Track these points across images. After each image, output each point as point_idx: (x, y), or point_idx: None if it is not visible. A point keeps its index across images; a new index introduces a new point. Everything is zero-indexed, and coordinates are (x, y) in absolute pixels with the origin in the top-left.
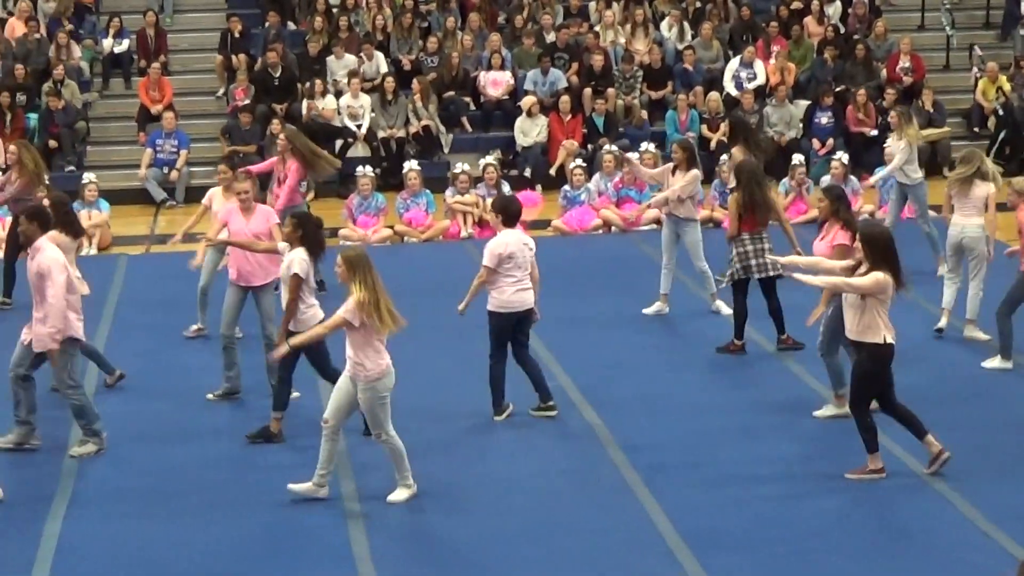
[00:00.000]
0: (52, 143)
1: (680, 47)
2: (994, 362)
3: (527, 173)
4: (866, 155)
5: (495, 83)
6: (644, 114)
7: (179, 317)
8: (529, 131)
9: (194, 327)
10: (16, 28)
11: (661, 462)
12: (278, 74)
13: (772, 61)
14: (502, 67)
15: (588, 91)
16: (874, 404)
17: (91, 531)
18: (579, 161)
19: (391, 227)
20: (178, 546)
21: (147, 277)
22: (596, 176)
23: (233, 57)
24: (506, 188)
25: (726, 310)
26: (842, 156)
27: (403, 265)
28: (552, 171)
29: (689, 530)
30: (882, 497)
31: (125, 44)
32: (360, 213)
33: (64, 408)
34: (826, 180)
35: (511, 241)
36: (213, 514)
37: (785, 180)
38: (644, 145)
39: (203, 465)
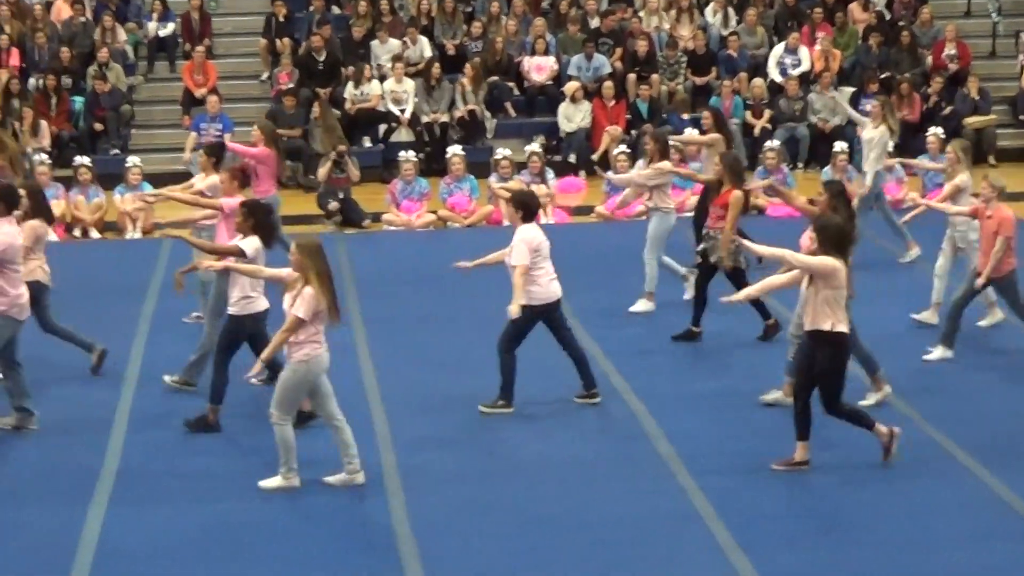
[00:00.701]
0: (97, 126)
1: (724, 33)
2: (937, 353)
3: (571, 159)
4: (911, 142)
5: (539, 68)
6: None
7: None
8: (573, 117)
9: (195, 314)
10: (62, 11)
11: (704, 450)
12: (322, 58)
13: (817, 47)
14: (546, 52)
15: (632, 77)
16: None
17: (135, 513)
18: (623, 147)
19: (434, 212)
20: (219, 530)
21: (190, 260)
22: (640, 162)
23: (277, 41)
24: (550, 176)
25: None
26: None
27: (446, 250)
28: (595, 157)
29: (732, 518)
30: (927, 486)
31: (170, 28)
32: (403, 198)
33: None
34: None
35: (536, 235)
36: (261, 498)
37: (827, 168)
38: (688, 131)
39: (245, 448)
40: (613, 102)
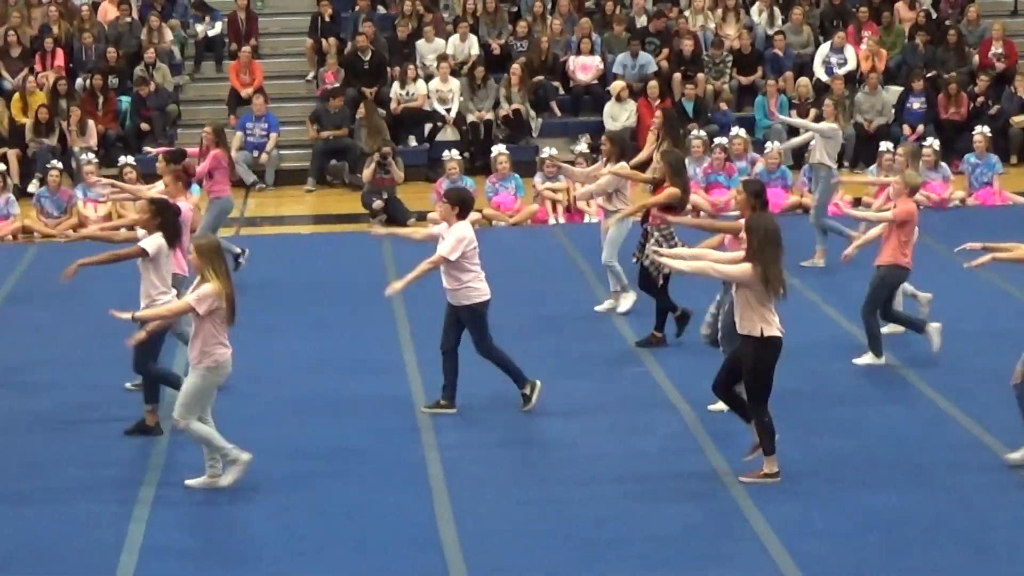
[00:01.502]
0: (143, 126)
1: (770, 32)
2: (865, 359)
3: None
4: (957, 142)
5: (584, 68)
6: (732, 100)
7: (269, 299)
8: (618, 116)
9: None
10: (109, 11)
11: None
12: (368, 58)
13: (863, 47)
14: (592, 52)
15: (678, 76)
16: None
17: (180, 512)
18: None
19: (479, 211)
20: (263, 530)
21: None
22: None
23: (323, 40)
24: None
25: (622, 308)
26: (932, 142)
27: (491, 249)
28: (642, 156)
29: (779, 520)
30: (971, 492)
31: (218, 27)
32: None
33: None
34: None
35: (470, 233)
36: (297, 496)
37: (872, 167)
38: (734, 130)
39: (293, 448)
40: (658, 101)
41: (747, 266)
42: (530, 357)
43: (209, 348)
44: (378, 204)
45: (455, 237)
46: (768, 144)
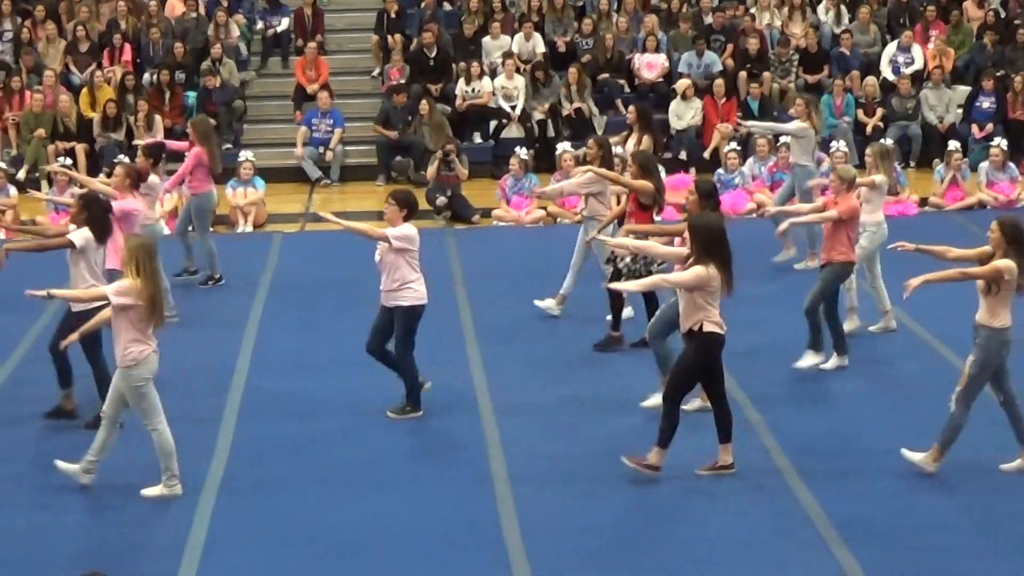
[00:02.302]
0: (210, 121)
1: (837, 31)
2: (808, 360)
3: (681, 156)
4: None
5: (650, 66)
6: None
7: (333, 295)
8: (683, 114)
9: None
10: (176, 7)
11: (812, 450)
12: (433, 54)
13: (930, 46)
14: (657, 49)
15: (743, 74)
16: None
17: (244, 506)
18: (733, 144)
19: (544, 208)
20: (325, 527)
21: (301, 255)
22: (750, 160)
23: (389, 37)
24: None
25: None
26: (1000, 142)
27: (555, 246)
28: (706, 154)
29: (841, 520)
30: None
31: (285, 23)
32: (513, 194)
33: (204, 380)
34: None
35: (416, 234)
36: (358, 490)
37: (940, 166)
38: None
39: (362, 443)
40: (724, 100)
41: (698, 269)
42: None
43: (127, 346)
44: (442, 201)
45: (403, 230)
46: (834, 143)
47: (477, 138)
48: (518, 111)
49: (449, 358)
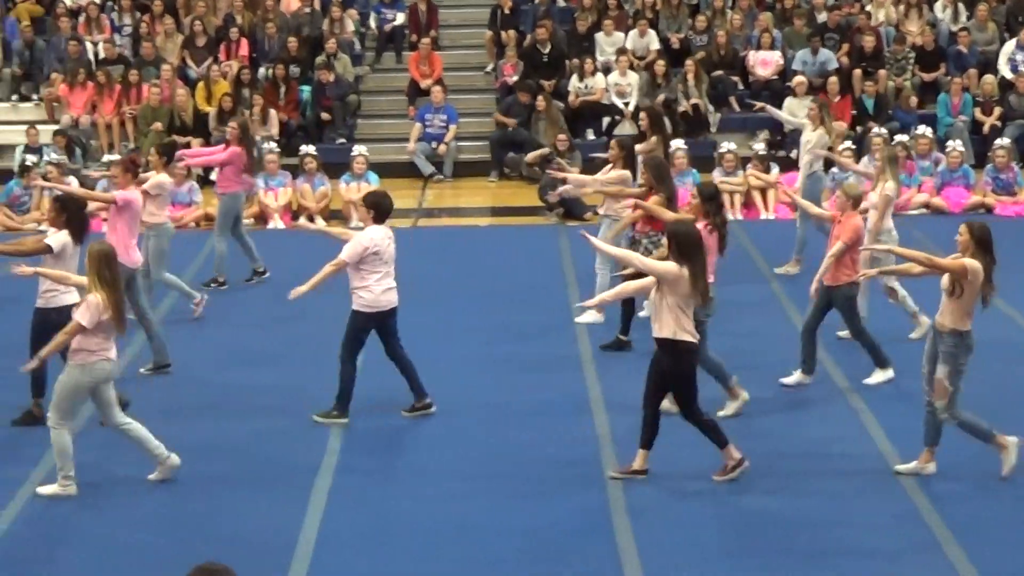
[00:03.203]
0: (324, 115)
1: (954, 28)
2: (876, 377)
3: (794, 154)
4: None
5: (764, 63)
6: (914, 97)
7: (444, 290)
8: (797, 112)
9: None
10: (291, 2)
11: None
12: (547, 50)
13: None
14: (772, 47)
15: (858, 72)
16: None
17: (356, 502)
18: (848, 143)
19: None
20: (432, 521)
21: (414, 250)
22: (865, 159)
23: (502, 33)
24: (775, 170)
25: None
26: None
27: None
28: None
29: (956, 521)
30: None
31: (401, 18)
32: None
33: (307, 377)
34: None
35: (377, 237)
36: (483, 492)
37: None
38: (920, 128)
39: (468, 441)
40: (838, 98)
41: (672, 264)
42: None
43: (84, 346)
44: (554, 197)
45: (356, 242)
46: (950, 142)
47: (590, 135)
48: (631, 108)
49: (562, 356)
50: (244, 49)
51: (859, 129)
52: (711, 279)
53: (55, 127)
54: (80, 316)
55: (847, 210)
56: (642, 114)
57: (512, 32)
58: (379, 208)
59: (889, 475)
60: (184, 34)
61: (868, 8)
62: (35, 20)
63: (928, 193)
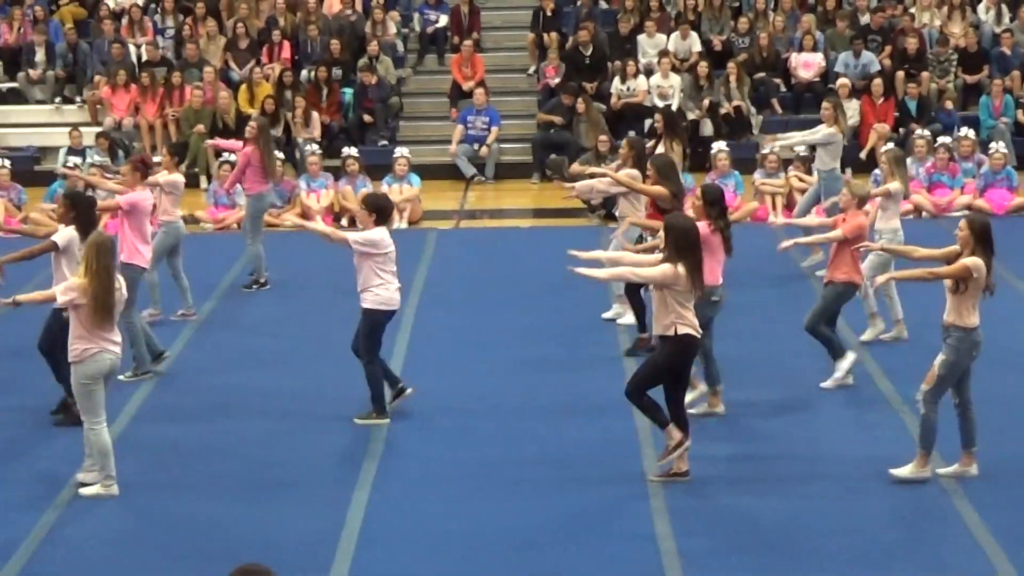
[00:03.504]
0: (366, 117)
1: (997, 30)
2: (841, 367)
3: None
4: None
5: (806, 65)
6: (954, 99)
7: (486, 291)
8: None
9: (180, 311)
10: (333, 4)
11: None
12: (589, 53)
13: None
14: (814, 49)
15: (901, 74)
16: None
17: (398, 502)
18: (890, 145)
19: None
20: (481, 523)
21: (456, 251)
22: (907, 161)
23: (545, 35)
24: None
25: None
26: None
27: None
28: (862, 155)
29: (998, 527)
30: None
31: (443, 20)
32: None
33: (355, 375)
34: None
35: (386, 238)
36: (516, 491)
37: None
38: (963, 130)
39: (518, 438)
40: (881, 100)
41: (667, 267)
42: (742, 348)
43: (73, 342)
44: (597, 200)
45: (368, 235)
46: (992, 144)
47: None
48: (673, 110)
49: (603, 356)
50: (286, 51)
51: (902, 131)
52: (719, 281)
53: (98, 129)
54: (59, 289)
55: (851, 208)
56: (656, 116)
57: (554, 34)
58: (381, 211)
59: (885, 478)
60: (227, 36)
61: (912, 10)
62: (78, 23)
63: (971, 195)
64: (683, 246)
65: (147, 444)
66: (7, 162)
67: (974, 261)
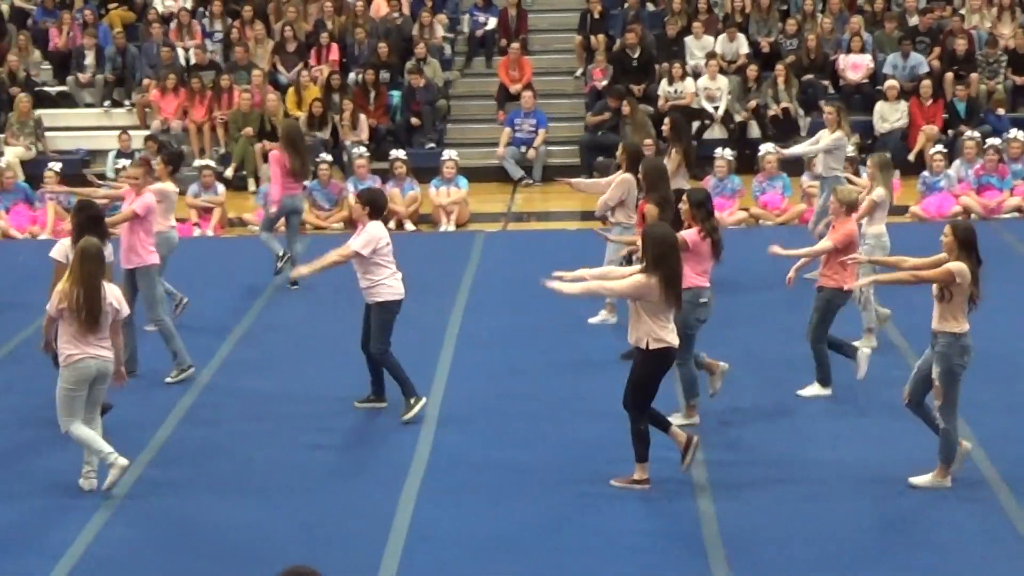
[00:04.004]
0: (413, 120)
1: None
2: (812, 390)
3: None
4: None
5: (855, 66)
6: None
7: (534, 294)
8: (888, 116)
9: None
10: (381, 7)
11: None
12: (636, 55)
13: None
14: (862, 50)
15: (950, 76)
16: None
17: (446, 502)
18: (939, 147)
19: (746, 209)
20: (525, 524)
21: (503, 254)
22: (956, 162)
23: (592, 37)
24: (863, 176)
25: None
26: None
27: (757, 249)
28: (911, 156)
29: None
30: None
31: (492, 23)
32: (715, 195)
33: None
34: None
35: (382, 233)
36: (552, 494)
37: None
38: (1012, 132)
39: (558, 441)
40: (930, 101)
41: (638, 279)
42: (779, 352)
43: (61, 346)
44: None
45: (368, 234)
46: None
47: None
48: (721, 112)
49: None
50: (334, 54)
51: (951, 133)
52: (706, 284)
53: (147, 132)
54: (49, 306)
55: (840, 216)
56: (666, 120)
57: (601, 36)
58: (375, 204)
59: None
60: (274, 39)
61: (961, 11)
62: (127, 26)
63: (1021, 197)
64: (658, 255)
65: (187, 446)
66: (58, 165)
67: (958, 266)
